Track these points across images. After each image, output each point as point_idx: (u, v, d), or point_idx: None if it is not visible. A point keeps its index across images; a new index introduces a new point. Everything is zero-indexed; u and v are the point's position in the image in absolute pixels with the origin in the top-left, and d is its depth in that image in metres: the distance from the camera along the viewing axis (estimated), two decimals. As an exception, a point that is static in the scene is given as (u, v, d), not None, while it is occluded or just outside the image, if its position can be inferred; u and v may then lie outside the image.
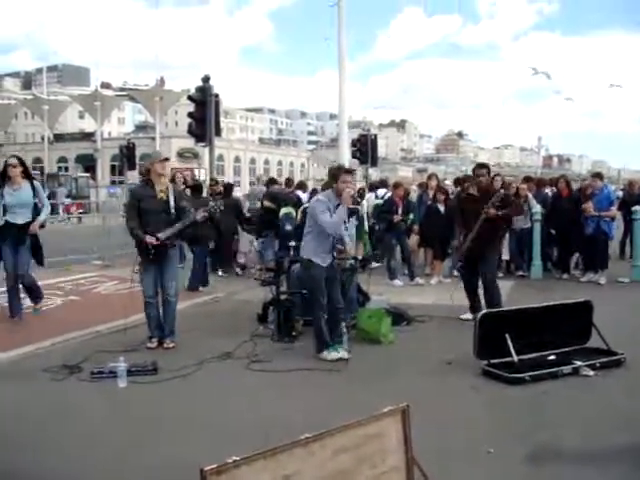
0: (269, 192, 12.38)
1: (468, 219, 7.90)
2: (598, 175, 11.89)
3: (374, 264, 11.63)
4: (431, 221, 11.28)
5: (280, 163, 78.98)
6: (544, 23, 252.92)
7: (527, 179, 13.02)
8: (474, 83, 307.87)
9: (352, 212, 9.34)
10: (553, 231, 11.80)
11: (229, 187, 13.25)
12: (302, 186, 14.04)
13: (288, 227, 10.36)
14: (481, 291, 8.01)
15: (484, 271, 7.85)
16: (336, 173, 6.52)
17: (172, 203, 6.70)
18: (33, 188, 7.80)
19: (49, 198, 35.43)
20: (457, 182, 13.30)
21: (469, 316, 7.77)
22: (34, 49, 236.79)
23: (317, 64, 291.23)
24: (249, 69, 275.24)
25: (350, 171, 6.59)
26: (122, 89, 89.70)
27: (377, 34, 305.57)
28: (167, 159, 7.09)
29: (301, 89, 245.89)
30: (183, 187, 10.60)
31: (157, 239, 6.54)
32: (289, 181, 14.64)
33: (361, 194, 12.74)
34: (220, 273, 11.81)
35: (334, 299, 6.52)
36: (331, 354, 6.31)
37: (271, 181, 13.71)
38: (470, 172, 10.89)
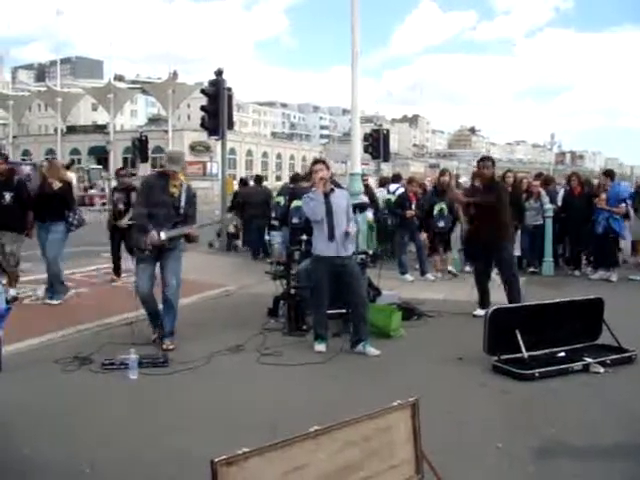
0: (285, 187, 12.42)
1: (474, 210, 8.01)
2: (608, 173, 11.81)
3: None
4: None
5: (292, 157, 78.94)
6: (559, 19, 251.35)
7: (539, 176, 12.95)
8: (487, 79, 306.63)
9: (361, 207, 9.37)
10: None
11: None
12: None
13: (295, 220, 10.33)
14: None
15: (502, 269, 7.89)
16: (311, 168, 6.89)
17: (183, 203, 6.31)
18: None
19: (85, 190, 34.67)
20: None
21: (481, 312, 7.74)
22: (49, 42, 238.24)
23: (331, 60, 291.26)
24: (263, 63, 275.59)
25: (318, 161, 6.84)
26: (135, 82, 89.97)
27: (393, 29, 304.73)
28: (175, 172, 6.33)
29: (314, 84, 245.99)
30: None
31: (158, 237, 6.10)
32: (298, 175, 14.62)
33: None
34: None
35: (354, 292, 6.46)
36: (316, 346, 6.50)
37: (296, 177, 13.65)
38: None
